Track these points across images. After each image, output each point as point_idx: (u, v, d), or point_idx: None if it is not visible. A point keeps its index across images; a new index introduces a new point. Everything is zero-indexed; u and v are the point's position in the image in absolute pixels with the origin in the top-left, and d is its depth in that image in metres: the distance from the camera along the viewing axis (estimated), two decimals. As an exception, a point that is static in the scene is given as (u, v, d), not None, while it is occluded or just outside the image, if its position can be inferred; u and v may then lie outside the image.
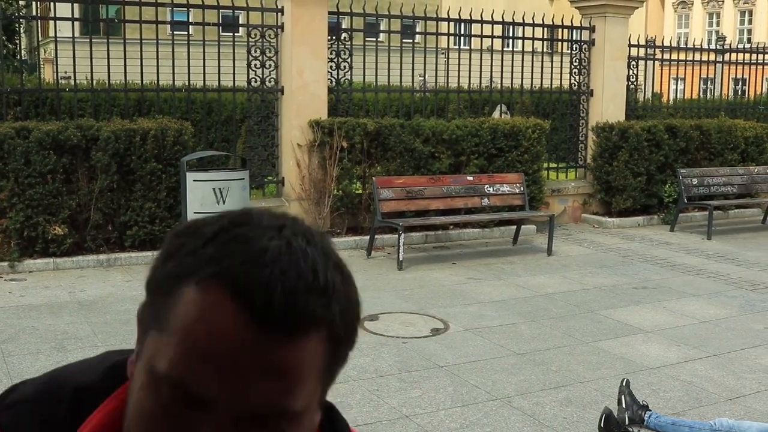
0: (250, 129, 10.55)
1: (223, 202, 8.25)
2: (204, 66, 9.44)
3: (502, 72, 11.74)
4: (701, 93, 17.01)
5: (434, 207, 9.87)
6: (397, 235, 8.98)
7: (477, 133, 10.58)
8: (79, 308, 7.06)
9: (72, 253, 8.60)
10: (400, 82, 11.11)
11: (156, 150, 8.72)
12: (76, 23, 9.06)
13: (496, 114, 13.06)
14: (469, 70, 11.54)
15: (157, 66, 9.54)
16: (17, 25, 16.40)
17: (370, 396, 5.22)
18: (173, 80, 9.65)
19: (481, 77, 11.78)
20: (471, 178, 10.14)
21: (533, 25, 11.82)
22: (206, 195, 8.20)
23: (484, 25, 11.50)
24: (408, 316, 7.10)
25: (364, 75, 10.89)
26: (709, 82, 17.38)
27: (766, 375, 5.87)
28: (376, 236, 9.60)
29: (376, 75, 10.78)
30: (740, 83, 17.66)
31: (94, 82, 9.60)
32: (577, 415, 5.02)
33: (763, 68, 15.10)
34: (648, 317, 7.27)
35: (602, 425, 4.54)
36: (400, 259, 8.87)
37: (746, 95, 16.48)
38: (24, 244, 8.43)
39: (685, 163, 12.57)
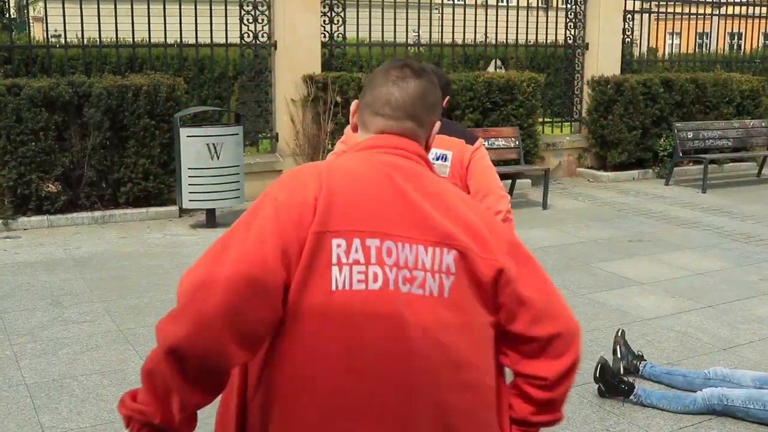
0: (244, 85, 10.47)
1: (218, 158, 8.20)
2: (196, 21, 9.35)
3: (497, 26, 11.64)
4: (697, 47, 16.92)
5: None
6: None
7: (471, 87, 10.51)
8: (74, 265, 7.05)
9: (66, 210, 8.57)
10: (394, 36, 11.01)
11: (149, 106, 8.66)
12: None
13: (490, 69, 12.98)
14: (464, 25, 11.43)
15: (149, 22, 9.42)
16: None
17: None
18: (165, 37, 9.54)
19: (475, 32, 11.68)
20: (466, 133, 10.07)
21: (528, -23, 11.70)
22: (200, 151, 8.15)
23: (478, -22, 11.38)
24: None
25: (357, 30, 10.77)
26: (704, 37, 17.26)
27: (761, 325, 5.89)
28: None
29: (370, 30, 10.67)
30: (736, 37, 17.53)
31: (85, 40, 9.48)
32: (572, 366, 5.03)
33: (759, 22, 14.99)
34: (643, 269, 7.28)
35: (597, 375, 4.55)
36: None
37: (742, 50, 16.38)
38: (18, 202, 8.40)
39: (680, 117, 12.52)
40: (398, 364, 1.72)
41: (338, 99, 9.69)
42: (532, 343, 1.88)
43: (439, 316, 1.76)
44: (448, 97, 3.70)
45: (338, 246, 1.73)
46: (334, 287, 1.71)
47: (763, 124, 12.84)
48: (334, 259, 1.72)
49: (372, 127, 1.96)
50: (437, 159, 3.61)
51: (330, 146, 9.89)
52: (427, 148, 2.01)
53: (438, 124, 2.02)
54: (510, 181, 10.51)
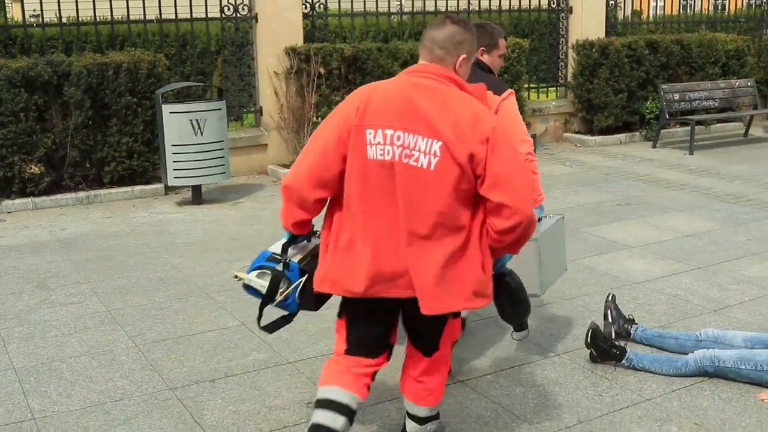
0: (226, 59, 10.36)
1: (201, 134, 8.13)
2: (175, -5, 9.22)
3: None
4: (681, 8, 16.83)
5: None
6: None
7: (456, 55, 10.41)
8: (60, 247, 6.99)
9: (50, 191, 8.48)
10: (376, 6, 10.89)
11: (130, 83, 8.56)
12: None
13: (474, 36, 12.87)
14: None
15: (127, -3, 9.29)
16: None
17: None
18: (144, 13, 9.41)
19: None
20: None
21: (510, -58, 11.57)
22: (183, 127, 8.07)
23: (459, -57, 11.25)
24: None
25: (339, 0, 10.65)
26: (688, -3, 17.18)
27: (750, 285, 5.89)
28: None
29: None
30: (720, -3, 17.45)
31: (64, 19, 9.33)
32: (563, 331, 5.03)
33: (743, -20, 14.92)
34: (632, 233, 7.27)
35: (589, 340, 4.54)
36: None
37: (726, 9, 16.29)
38: (1, 185, 8.31)
39: (666, 79, 12.47)
40: (392, 196, 3.06)
41: (321, 70, 9.60)
42: (489, 202, 3.04)
43: (423, 179, 3.02)
44: (482, 49, 4.43)
45: (369, 134, 3.07)
46: (368, 157, 3.07)
47: (749, 84, 12.80)
48: (368, 141, 3.06)
49: (420, 56, 3.22)
50: None
51: (315, 118, 9.83)
52: (459, 74, 3.17)
53: (463, 57, 3.17)
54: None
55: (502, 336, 4.95)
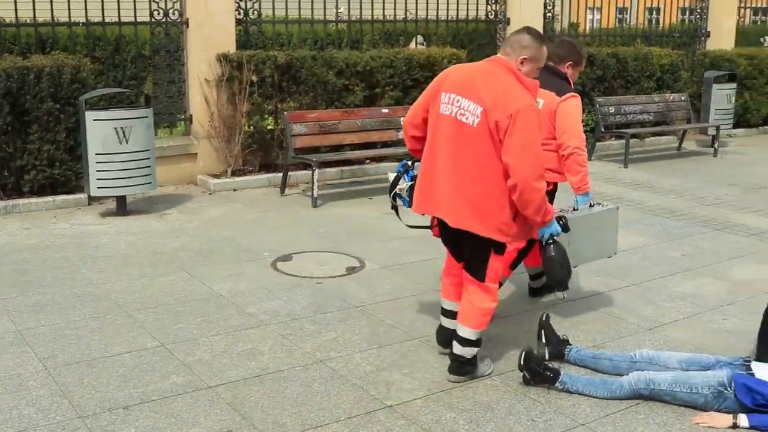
0: (156, 65, 10.04)
1: (126, 142, 7.82)
2: (101, -2, 8.88)
3: (417, 3, 11.39)
4: (617, 22, 16.95)
5: (349, 141, 9.57)
6: (311, 172, 8.68)
7: (392, 64, 10.28)
8: (-28, 259, 6.62)
9: (-34, 200, 8.08)
10: (312, 13, 10.69)
11: (52, 88, 8.20)
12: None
13: (412, 45, 12.74)
14: (383, 1, 11.16)
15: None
16: None
17: (283, 341, 4.98)
18: (69, 15, 9.04)
19: (395, 8, 11.41)
20: (386, 111, 9.85)
21: (447, -49, 11.45)
22: (108, 135, 7.75)
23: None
24: (322, 255, 6.85)
25: (273, 6, 10.42)
26: (624, 12, 17.32)
27: (684, 303, 5.83)
28: (289, 173, 9.28)
29: (287, 6, 10.32)
30: (654, 12, 17.64)
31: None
32: (496, 353, 4.87)
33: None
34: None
35: (522, 362, 4.38)
36: (315, 195, 8.60)
37: (660, 24, 16.45)
38: None
39: (601, 92, 12.50)
40: (449, 142, 4.25)
41: (254, 78, 9.36)
42: (504, 163, 4.15)
43: (468, 133, 4.18)
44: (569, 63, 5.45)
45: (443, 96, 4.29)
46: (440, 112, 4.29)
47: (683, 98, 12.90)
48: (441, 101, 4.29)
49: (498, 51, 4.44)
50: None
51: (247, 127, 9.58)
52: (520, 69, 4.26)
53: (524, 58, 4.26)
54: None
55: (433, 356, 4.78)
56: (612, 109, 11.98)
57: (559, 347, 4.75)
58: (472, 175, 4.20)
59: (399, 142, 10.04)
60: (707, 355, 4.57)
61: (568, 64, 5.42)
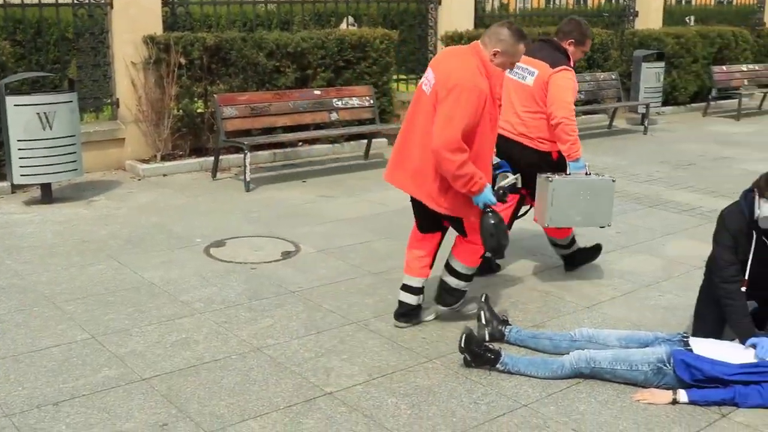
0: (80, 48, 9.72)
1: (50, 128, 7.54)
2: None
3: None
4: (546, 2, 17.02)
5: (281, 124, 9.40)
6: (242, 155, 8.51)
7: (323, 45, 10.13)
8: None
9: None
10: (241, -7, 10.47)
11: (-31, 73, 7.89)
12: None
13: (343, 26, 12.59)
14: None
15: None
16: None
17: (218, 329, 4.85)
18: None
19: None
20: (318, 92, 9.71)
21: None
22: (30, 121, 7.47)
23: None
24: (257, 239, 6.71)
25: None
26: (552, -9, 17.38)
27: (621, 280, 5.85)
28: (221, 157, 9.09)
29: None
30: (582, -9, 17.73)
31: None
32: (436, 335, 4.82)
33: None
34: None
35: (463, 345, 4.33)
36: (247, 179, 8.43)
37: (587, 3, 16.57)
38: None
39: (533, 71, 12.49)
40: (412, 109, 4.63)
41: (182, 61, 9.13)
42: None
43: (425, 99, 4.51)
44: (571, 41, 5.56)
45: (426, 71, 4.60)
46: (421, 84, 4.61)
47: (613, 77, 13.02)
48: (424, 74, 4.61)
49: None
50: (527, 72, 5.47)
51: (176, 110, 9.34)
52: (493, 59, 4.49)
53: (497, 51, 4.45)
54: (366, 141, 10.24)
55: (372, 340, 4.71)
56: (544, 89, 11.99)
57: (499, 328, 4.71)
58: (419, 141, 4.52)
59: (332, 124, 9.92)
60: (646, 332, 4.59)
61: (570, 41, 5.54)
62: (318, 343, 4.69)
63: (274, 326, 4.92)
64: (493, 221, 4.54)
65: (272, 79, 9.81)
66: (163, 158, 9.33)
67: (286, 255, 6.31)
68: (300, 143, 10.15)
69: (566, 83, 5.37)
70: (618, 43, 14.10)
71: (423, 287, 4.92)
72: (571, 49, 5.56)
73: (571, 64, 5.52)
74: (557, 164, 5.49)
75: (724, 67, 15.04)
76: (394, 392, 4.12)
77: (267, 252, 6.38)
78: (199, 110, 9.63)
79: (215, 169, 9.02)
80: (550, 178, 5.26)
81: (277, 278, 5.77)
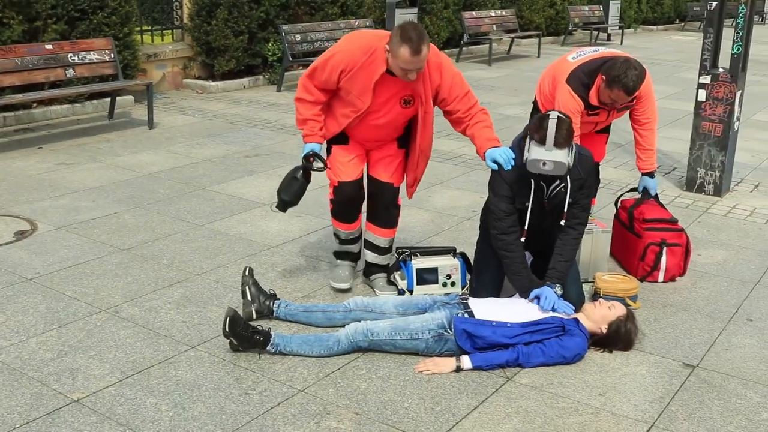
0: None
1: None
2: None
3: None
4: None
5: (9, 83, 8.31)
6: (-36, 121, 7.47)
7: (55, -7, 9.11)
8: None
9: None
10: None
11: None
12: None
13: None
14: None
15: None
16: None
17: (-65, 333, 4.09)
18: None
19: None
20: (51, 47, 8.69)
21: None
22: None
23: None
24: (-15, 219, 5.87)
25: None
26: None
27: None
28: (-61, 124, 7.97)
29: None
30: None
31: None
32: (198, 316, 4.33)
33: None
34: (264, 187, 6.72)
35: (228, 329, 3.87)
36: (-28, 149, 7.43)
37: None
38: None
39: (286, 20, 12.06)
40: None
41: None
42: None
43: None
44: (603, 76, 4.90)
45: None
46: None
47: (368, 24, 12.80)
48: None
49: None
50: None
51: None
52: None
53: (385, 46, 4.17)
54: (109, 99, 9.38)
55: (125, 329, 4.14)
56: (298, 37, 11.60)
57: (267, 303, 4.29)
58: None
59: (69, 82, 8.99)
60: (423, 296, 4.34)
61: (602, 76, 4.85)
62: (61, 339, 4.06)
63: (7, 323, 4.21)
64: (294, 175, 4.50)
65: (-5, 33, 8.71)
66: None
67: (20, 235, 5.52)
68: (34, 104, 9.13)
69: (561, 98, 5.04)
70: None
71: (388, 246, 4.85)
72: (600, 83, 4.91)
73: (592, 94, 4.97)
74: None
75: (473, 13, 15.29)
76: (152, 391, 3.60)
77: (-4, 233, 5.57)
78: None
79: (-68, 138, 7.91)
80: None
81: (10, 264, 5.00)
